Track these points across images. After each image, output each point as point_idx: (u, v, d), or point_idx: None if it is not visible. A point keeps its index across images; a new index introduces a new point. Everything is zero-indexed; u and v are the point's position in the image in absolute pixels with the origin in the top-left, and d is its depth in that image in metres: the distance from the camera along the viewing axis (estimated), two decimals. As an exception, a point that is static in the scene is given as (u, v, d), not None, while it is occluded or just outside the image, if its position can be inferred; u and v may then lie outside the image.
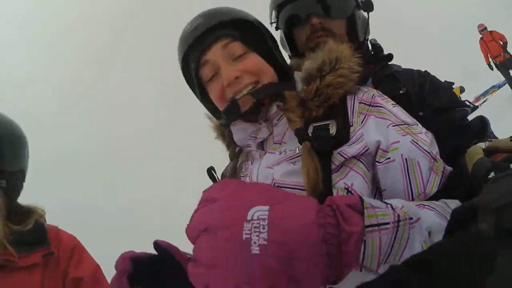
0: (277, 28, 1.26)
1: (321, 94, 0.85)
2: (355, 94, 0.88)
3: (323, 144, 0.78)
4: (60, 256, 1.36)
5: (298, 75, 0.97)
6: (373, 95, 0.87)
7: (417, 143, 0.78)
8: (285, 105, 0.89)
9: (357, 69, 0.88)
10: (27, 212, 1.37)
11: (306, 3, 1.16)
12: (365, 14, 1.29)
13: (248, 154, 0.98)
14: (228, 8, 0.98)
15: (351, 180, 0.76)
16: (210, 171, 1.03)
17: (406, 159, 0.77)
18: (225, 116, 0.92)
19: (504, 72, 10.01)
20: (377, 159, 0.79)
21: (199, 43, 0.92)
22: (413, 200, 0.76)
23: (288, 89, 0.91)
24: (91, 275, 1.39)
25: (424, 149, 0.78)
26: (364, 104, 0.86)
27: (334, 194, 0.74)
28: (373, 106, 0.85)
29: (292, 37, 1.23)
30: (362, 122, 0.82)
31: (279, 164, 0.84)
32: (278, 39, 1.10)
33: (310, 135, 0.82)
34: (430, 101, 1.07)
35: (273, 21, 1.27)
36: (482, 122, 0.98)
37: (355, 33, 1.20)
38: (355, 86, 0.89)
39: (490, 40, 10.20)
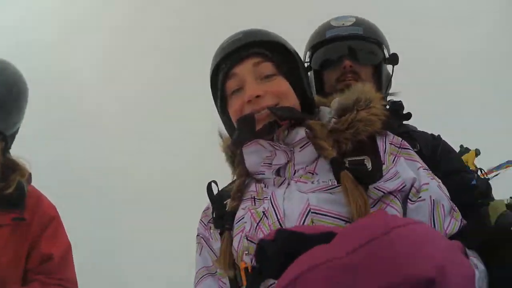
0: (309, 69, 1.34)
1: (353, 127, 0.88)
2: (385, 136, 0.92)
3: (362, 178, 0.81)
4: (34, 223, 1.32)
5: (325, 109, 0.99)
6: (401, 139, 0.93)
7: (441, 188, 0.86)
8: (313, 133, 0.91)
9: (386, 113, 0.93)
10: (12, 168, 1.34)
11: (340, 46, 1.24)
12: (390, 71, 1.37)
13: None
14: (270, 31, 1.01)
15: None
16: (210, 187, 1.03)
17: (433, 200, 0.83)
18: (238, 132, 0.94)
19: None
20: (410, 197, 0.84)
21: (233, 56, 0.95)
22: None
23: (311, 119, 0.93)
24: (61, 254, 1.36)
25: (447, 195, 0.86)
26: (395, 146, 0.91)
27: None
28: (402, 148, 0.90)
29: (321, 78, 1.30)
30: (393, 162, 0.87)
31: (314, 192, 0.84)
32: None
33: (348, 166, 0.84)
34: (442, 163, 1.16)
35: (307, 60, 1.34)
36: (487, 183, 1.12)
37: (380, 82, 1.29)
38: (383, 130, 0.92)
39: None
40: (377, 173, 0.83)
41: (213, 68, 1.00)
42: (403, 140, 0.92)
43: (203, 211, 1.08)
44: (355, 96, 0.94)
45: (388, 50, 1.34)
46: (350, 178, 0.80)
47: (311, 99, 1.02)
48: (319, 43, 1.30)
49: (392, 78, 1.37)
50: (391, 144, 0.91)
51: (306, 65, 1.35)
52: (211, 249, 1.01)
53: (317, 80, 1.32)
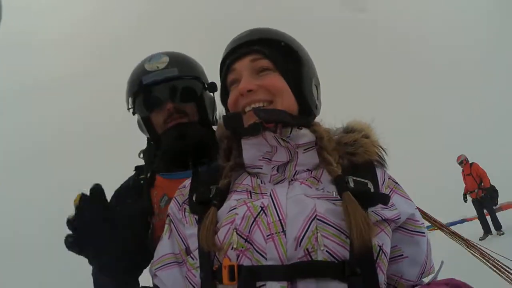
0: (134, 113, 1.36)
1: (355, 146, 0.92)
2: (384, 170, 0.95)
3: (365, 200, 0.82)
4: None
5: (326, 131, 0.97)
6: (394, 181, 0.95)
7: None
8: (321, 143, 0.91)
9: (381, 152, 0.98)
10: None
11: (160, 91, 1.27)
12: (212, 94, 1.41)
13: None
14: (278, 30, 1.03)
15: (382, 240, 0.81)
16: (197, 168, 1.06)
17: (427, 239, 0.91)
18: (226, 124, 0.95)
19: (477, 210, 9.15)
20: (405, 227, 0.89)
21: (235, 52, 0.98)
22: (422, 273, 0.90)
23: (301, 124, 0.91)
24: None
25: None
26: (392, 181, 0.94)
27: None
28: (398, 185, 0.94)
29: (150, 121, 1.32)
30: (389, 194, 0.90)
31: (319, 198, 0.83)
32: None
33: (352, 186, 0.84)
34: None
35: (130, 107, 1.36)
36: None
37: (205, 112, 1.35)
38: (379, 163, 0.96)
39: (468, 174, 9.36)
40: (376, 200, 0.84)
41: (221, 61, 1.04)
42: (396, 183, 0.95)
43: (179, 189, 1.01)
44: (359, 126, 0.98)
45: (206, 80, 1.38)
46: (353, 201, 0.79)
47: (312, 101, 0.98)
48: (137, 91, 1.30)
49: (215, 100, 1.41)
50: (389, 178, 0.94)
51: (130, 111, 1.36)
52: (179, 234, 0.94)
53: (146, 123, 1.33)
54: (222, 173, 0.94)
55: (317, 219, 0.78)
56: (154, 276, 0.95)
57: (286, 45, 0.98)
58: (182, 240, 0.93)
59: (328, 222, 0.78)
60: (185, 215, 0.93)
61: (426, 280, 0.89)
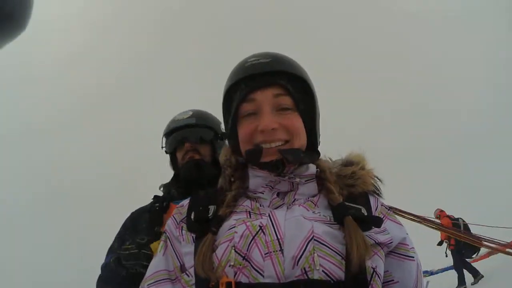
0: (166, 152, 1.80)
1: (355, 177, 0.97)
2: (377, 198, 0.99)
3: (360, 224, 0.84)
4: None
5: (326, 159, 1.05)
6: (388, 207, 1.00)
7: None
8: (324, 175, 0.95)
9: (376, 183, 1.03)
10: None
11: (180, 134, 1.72)
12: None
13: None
14: (294, 61, 1.01)
15: (376, 263, 0.83)
16: (197, 188, 1.10)
17: (418, 264, 0.92)
18: (246, 157, 0.95)
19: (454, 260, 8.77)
20: (396, 251, 0.91)
21: (256, 79, 0.94)
22: None
23: (314, 161, 0.98)
24: None
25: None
26: (385, 208, 0.97)
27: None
28: (390, 211, 0.97)
29: (175, 157, 1.75)
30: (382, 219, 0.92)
31: (316, 221, 0.85)
32: None
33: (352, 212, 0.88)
34: None
35: (163, 146, 1.81)
36: None
37: (215, 152, 1.71)
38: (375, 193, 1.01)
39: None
40: (370, 223, 0.88)
41: (232, 83, 0.97)
42: (389, 208, 0.99)
43: (177, 208, 1.02)
44: (357, 159, 1.02)
45: (219, 130, 1.77)
46: (354, 224, 0.83)
47: (316, 138, 1.03)
48: (167, 133, 1.77)
49: None
50: (382, 205, 0.97)
51: (163, 149, 1.80)
52: (175, 251, 0.94)
53: (171, 159, 1.78)
54: (221, 194, 0.97)
55: (314, 239, 0.80)
56: None
57: (305, 82, 0.98)
58: (178, 258, 0.93)
59: (324, 243, 0.80)
60: (182, 233, 0.94)
61: None
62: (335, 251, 0.79)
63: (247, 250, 0.80)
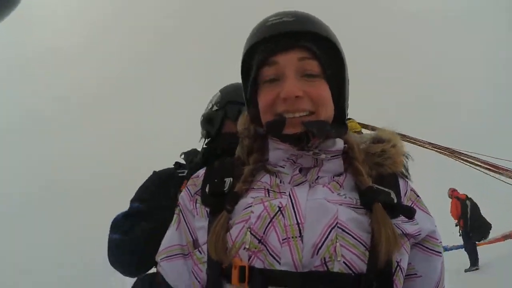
0: (220, 112, 1.62)
1: (385, 156, 0.89)
2: (407, 181, 0.91)
3: (390, 211, 0.78)
4: None
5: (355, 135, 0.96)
6: (416, 194, 0.92)
7: None
8: (352, 153, 0.88)
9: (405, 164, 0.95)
10: None
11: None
12: None
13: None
14: (320, 21, 0.89)
15: (400, 256, 0.78)
16: (212, 158, 1.06)
17: (443, 261, 0.88)
18: (267, 129, 0.87)
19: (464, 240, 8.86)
20: (423, 244, 0.85)
21: (279, 40, 0.83)
22: None
23: (339, 136, 0.90)
24: None
25: None
26: (414, 193, 0.90)
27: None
28: (419, 198, 0.90)
29: (223, 123, 1.59)
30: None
31: (341, 205, 0.79)
32: None
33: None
34: None
35: (218, 108, 1.62)
36: None
37: None
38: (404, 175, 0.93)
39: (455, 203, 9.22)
40: (401, 212, 0.81)
41: (251, 44, 0.87)
42: (417, 195, 0.91)
43: (191, 178, 0.96)
44: (388, 136, 0.93)
45: None
46: (383, 212, 0.76)
47: (345, 108, 0.93)
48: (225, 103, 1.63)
49: None
50: (411, 190, 0.90)
51: (217, 107, 1.62)
52: (188, 226, 0.90)
53: (221, 121, 1.60)
54: (238, 165, 0.91)
55: (338, 227, 0.74)
56: (158, 264, 0.92)
57: (334, 44, 0.87)
58: (190, 232, 0.90)
59: (349, 231, 0.74)
60: (196, 206, 0.90)
61: None
62: (359, 241, 0.74)
63: (264, 233, 0.75)
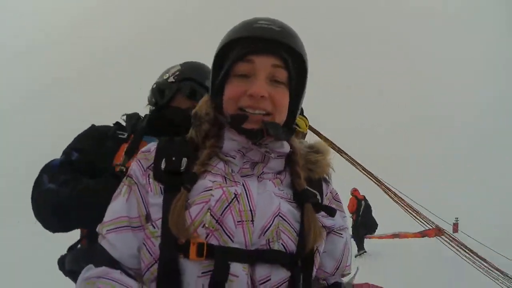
0: (174, 85, 1.65)
1: (318, 163, 1.05)
2: (328, 184, 1.10)
3: (315, 210, 0.95)
4: None
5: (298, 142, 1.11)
6: (336, 192, 1.12)
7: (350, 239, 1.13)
8: (295, 157, 1.01)
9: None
10: None
11: (193, 85, 1.63)
12: None
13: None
14: (299, 38, 0.99)
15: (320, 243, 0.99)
16: (170, 133, 1.08)
17: (346, 241, 1.08)
18: (230, 121, 0.93)
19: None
20: (334, 230, 1.06)
21: (261, 43, 0.92)
22: (337, 268, 1.07)
23: (291, 141, 1.03)
24: None
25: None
26: (331, 194, 1.10)
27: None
28: (335, 200, 1.10)
29: (174, 98, 1.62)
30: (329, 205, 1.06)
31: (282, 198, 0.94)
32: None
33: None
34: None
35: (173, 80, 1.65)
36: None
37: None
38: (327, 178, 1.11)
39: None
40: (325, 212, 0.98)
41: (234, 38, 0.94)
42: (337, 193, 1.12)
43: (143, 152, 0.99)
44: (323, 148, 1.09)
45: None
46: (313, 211, 0.94)
47: (294, 118, 1.05)
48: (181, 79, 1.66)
49: None
50: (330, 192, 1.09)
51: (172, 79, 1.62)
52: (143, 200, 0.92)
53: (172, 95, 1.62)
54: (191, 147, 0.97)
55: (280, 216, 0.90)
56: (102, 236, 0.91)
57: (304, 62, 0.98)
58: (145, 206, 0.92)
59: (286, 220, 0.91)
60: (149, 182, 0.93)
61: (344, 280, 1.10)
62: (293, 228, 0.91)
63: (221, 215, 0.85)
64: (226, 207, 0.86)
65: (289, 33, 0.95)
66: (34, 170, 1.49)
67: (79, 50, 28.39)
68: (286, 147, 0.99)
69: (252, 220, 0.87)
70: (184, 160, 0.93)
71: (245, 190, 0.90)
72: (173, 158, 0.93)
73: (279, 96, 0.93)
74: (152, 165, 0.94)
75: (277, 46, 0.92)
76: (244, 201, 0.88)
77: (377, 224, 11.12)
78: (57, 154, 1.50)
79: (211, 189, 0.88)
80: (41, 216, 1.38)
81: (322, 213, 0.98)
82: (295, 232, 0.90)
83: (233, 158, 0.95)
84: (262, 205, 0.89)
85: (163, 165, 0.92)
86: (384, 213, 10.25)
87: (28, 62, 26.00)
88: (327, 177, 1.10)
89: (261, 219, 0.88)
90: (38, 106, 23.01)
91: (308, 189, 0.98)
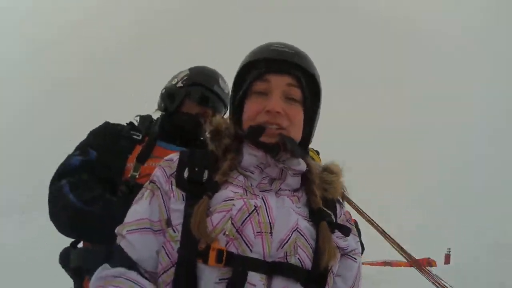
0: (184, 90, 1.70)
1: (332, 184, 1.06)
2: (342, 206, 1.12)
3: (330, 229, 0.97)
4: None
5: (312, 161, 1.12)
6: (350, 214, 1.16)
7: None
8: (311, 176, 1.04)
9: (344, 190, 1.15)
10: None
11: (208, 94, 1.68)
12: None
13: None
14: (313, 63, 1.07)
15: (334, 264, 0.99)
16: (194, 147, 1.16)
17: (359, 265, 1.09)
18: (248, 133, 0.99)
19: None
20: (345, 252, 1.06)
21: (276, 64, 1.00)
22: None
23: (305, 157, 1.06)
24: None
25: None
26: (345, 216, 1.12)
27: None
28: (349, 222, 1.11)
29: (184, 103, 1.65)
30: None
31: (300, 215, 0.97)
32: None
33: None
34: None
35: (181, 85, 1.69)
36: None
37: None
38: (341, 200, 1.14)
39: None
40: (340, 231, 1.01)
41: (252, 59, 1.03)
42: (350, 216, 1.15)
43: (166, 160, 1.04)
44: (336, 169, 1.10)
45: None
46: (328, 230, 0.95)
47: (309, 139, 1.11)
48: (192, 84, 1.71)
49: None
50: (344, 214, 1.13)
51: (181, 84, 1.66)
52: (165, 204, 0.96)
53: (182, 100, 1.66)
54: (214, 160, 1.01)
55: (297, 231, 0.93)
56: (121, 237, 0.93)
57: (317, 85, 1.06)
58: (166, 211, 0.95)
59: (304, 236, 0.93)
60: (172, 188, 0.97)
61: None
62: (309, 245, 0.93)
63: (241, 225, 0.88)
64: (246, 218, 0.89)
65: (302, 57, 1.04)
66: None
67: (79, 50, 28.39)
68: (302, 165, 1.03)
69: (271, 232, 0.90)
70: (206, 171, 0.98)
71: (264, 203, 0.94)
72: (196, 169, 0.98)
73: (293, 112, 0.99)
74: (175, 173, 0.99)
75: (291, 67, 1.00)
76: (264, 213, 0.92)
77: (363, 248, 10.60)
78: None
79: (232, 199, 0.92)
80: (61, 228, 1.40)
81: (337, 233, 1.00)
82: (311, 249, 0.93)
83: (252, 173, 0.99)
84: (280, 219, 0.93)
85: (185, 174, 0.97)
86: (377, 240, 9.86)
87: (28, 62, 26.00)
88: (340, 199, 1.14)
89: (279, 232, 0.91)
90: (38, 106, 22.99)
91: (323, 209, 1.00)
